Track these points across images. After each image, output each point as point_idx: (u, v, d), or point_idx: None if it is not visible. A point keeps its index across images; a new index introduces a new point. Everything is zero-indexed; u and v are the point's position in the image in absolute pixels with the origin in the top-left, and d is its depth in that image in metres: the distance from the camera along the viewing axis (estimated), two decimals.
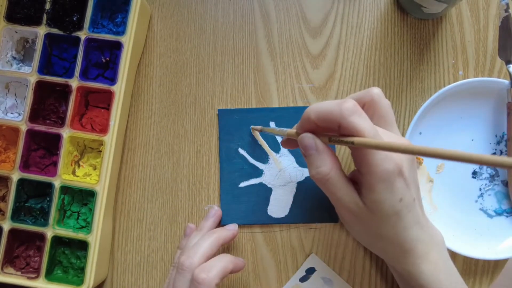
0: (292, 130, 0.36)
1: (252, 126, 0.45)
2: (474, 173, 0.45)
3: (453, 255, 0.44)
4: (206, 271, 0.35)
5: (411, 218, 0.33)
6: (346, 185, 0.33)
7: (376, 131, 0.31)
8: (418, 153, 0.25)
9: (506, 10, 0.44)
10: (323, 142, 0.33)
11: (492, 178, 0.44)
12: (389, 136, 0.34)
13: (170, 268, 0.42)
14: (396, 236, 0.34)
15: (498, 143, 0.44)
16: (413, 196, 0.33)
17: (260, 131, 0.44)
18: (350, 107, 0.31)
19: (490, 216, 0.44)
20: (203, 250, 0.38)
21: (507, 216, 0.44)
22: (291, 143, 0.39)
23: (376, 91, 0.35)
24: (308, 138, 0.33)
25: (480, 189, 0.44)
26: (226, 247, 0.45)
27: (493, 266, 0.44)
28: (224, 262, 0.37)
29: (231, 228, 0.42)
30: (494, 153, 0.44)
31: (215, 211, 0.44)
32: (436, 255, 0.35)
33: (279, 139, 0.46)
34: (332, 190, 0.33)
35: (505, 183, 0.44)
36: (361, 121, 0.30)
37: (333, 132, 0.33)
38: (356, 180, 0.34)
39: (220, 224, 0.45)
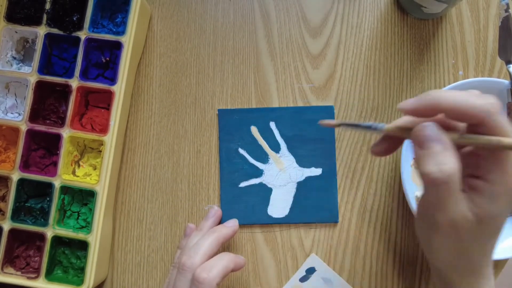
0: (394, 125, 0.30)
1: (325, 122, 0.33)
2: None
3: None
4: (207, 271, 0.35)
5: (498, 237, 0.30)
6: (461, 193, 0.28)
7: None
8: None
9: (506, 10, 0.44)
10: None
11: None
12: None
13: (170, 268, 0.42)
14: (483, 252, 0.30)
15: None
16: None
17: (335, 126, 0.36)
18: (496, 104, 0.27)
19: None
20: (204, 250, 0.38)
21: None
22: (388, 146, 0.32)
23: (494, 101, 0.29)
24: (431, 126, 0.28)
25: None
26: (226, 246, 0.45)
27: (493, 266, 0.44)
28: (225, 261, 0.37)
29: (231, 225, 0.42)
30: None
31: (215, 211, 0.44)
32: (492, 281, 0.32)
33: (280, 141, 0.46)
34: (446, 196, 0.28)
35: None
36: (506, 121, 0.27)
37: (453, 130, 0.29)
38: (466, 188, 0.29)
39: (220, 216, 0.45)
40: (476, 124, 0.27)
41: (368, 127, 0.31)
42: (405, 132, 0.29)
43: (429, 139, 0.28)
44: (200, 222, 0.45)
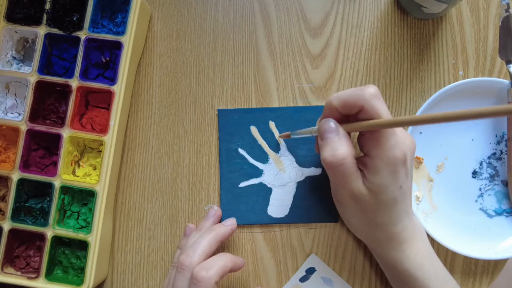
0: (316, 127, 0.37)
1: (279, 135, 0.45)
2: (474, 173, 0.45)
3: (453, 255, 0.44)
4: (206, 269, 0.36)
5: (404, 206, 0.36)
6: (357, 170, 0.35)
7: (389, 114, 0.33)
8: (439, 120, 0.27)
9: (507, 10, 0.44)
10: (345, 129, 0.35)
11: (492, 178, 0.44)
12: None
13: (170, 268, 0.42)
14: (389, 222, 0.36)
15: (498, 143, 0.44)
16: (408, 186, 0.36)
17: (288, 138, 0.43)
18: (373, 92, 0.33)
19: (490, 216, 0.44)
20: (202, 249, 0.38)
21: (507, 216, 0.44)
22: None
23: (373, 90, 0.36)
24: (328, 121, 0.35)
25: (480, 189, 0.44)
26: (226, 247, 0.45)
27: (493, 266, 0.44)
28: (223, 260, 0.37)
29: (229, 224, 0.42)
30: (494, 153, 0.44)
31: (215, 211, 0.44)
32: (419, 242, 0.38)
33: (282, 142, 0.46)
34: (343, 175, 0.34)
35: (505, 183, 0.44)
36: (382, 105, 0.33)
37: (352, 120, 0.35)
38: (360, 165, 0.36)
39: (220, 217, 0.45)
40: (360, 111, 0.33)
41: (310, 131, 0.38)
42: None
43: (326, 131, 0.34)
44: (199, 222, 0.45)
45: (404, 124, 0.30)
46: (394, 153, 0.33)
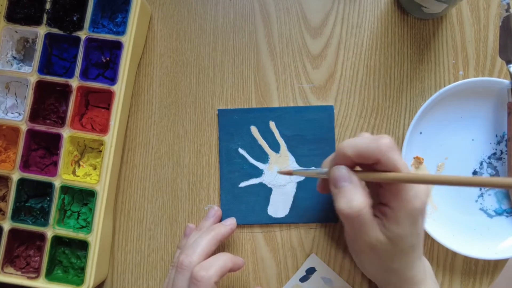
0: (325, 169, 0.36)
1: (278, 171, 0.41)
2: (474, 173, 0.45)
3: (453, 255, 0.44)
4: (205, 269, 0.36)
5: (419, 251, 0.36)
6: (373, 221, 0.34)
7: (408, 167, 0.33)
8: (463, 184, 0.30)
9: (507, 10, 0.44)
10: (361, 178, 0.34)
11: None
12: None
13: (170, 267, 0.42)
14: (405, 267, 0.35)
15: (499, 143, 0.44)
16: (423, 230, 0.35)
17: (290, 174, 0.41)
18: (388, 143, 0.32)
19: (490, 216, 0.44)
20: (202, 248, 0.38)
21: (507, 216, 0.44)
22: (325, 186, 0.38)
23: (388, 141, 0.35)
24: (341, 169, 0.34)
25: (480, 189, 0.44)
26: (226, 247, 0.45)
27: (493, 266, 0.44)
28: (223, 260, 0.37)
29: (229, 223, 0.42)
30: (495, 153, 0.44)
31: (215, 211, 0.44)
32: (430, 281, 0.37)
33: (280, 141, 0.46)
34: (360, 225, 0.33)
35: None
36: (398, 157, 0.32)
37: (366, 168, 0.35)
38: (379, 214, 0.34)
39: (220, 217, 0.45)
40: (376, 163, 0.32)
41: (317, 173, 0.37)
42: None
43: (340, 179, 0.33)
44: (200, 222, 0.45)
45: (426, 182, 0.30)
46: (414, 205, 0.32)
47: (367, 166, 0.34)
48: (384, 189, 0.34)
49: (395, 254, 0.34)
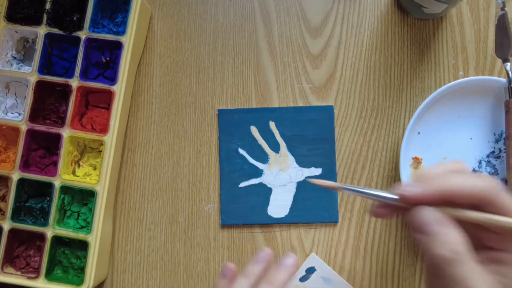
0: (391, 195, 0.29)
1: (323, 184, 0.32)
2: (473, 172, 0.45)
3: None
4: None
5: None
6: (477, 264, 0.27)
7: None
8: None
9: (503, 9, 0.44)
10: (458, 218, 0.28)
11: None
12: None
13: None
14: None
15: (497, 141, 0.45)
16: None
17: (335, 189, 0.37)
18: (498, 184, 0.27)
19: None
20: None
21: None
22: (386, 211, 0.31)
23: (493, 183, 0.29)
24: (429, 212, 0.28)
25: None
26: (226, 246, 0.45)
27: None
28: None
29: (290, 263, 0.34)
30: (493, 152, 0.44)
31: (266, 255, 0.35)
32: None
33: (280, 141, 0.46)
34: (461, 270, 0.27)
35: (505, 181, 0.44)
36: (509, 199, 0.27)
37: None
38: (486, 261, 0.29)
39: (220, 224, 0.45)
40: (487, 205, 0.27)
41: (377, 196, 0.30)
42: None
43: (429, 223, 0.27)
44: (246, 266, 0.35)
45: None
46: None
47: (460, 205, 0.29)
48: (493, 232, 0.28)
49: None
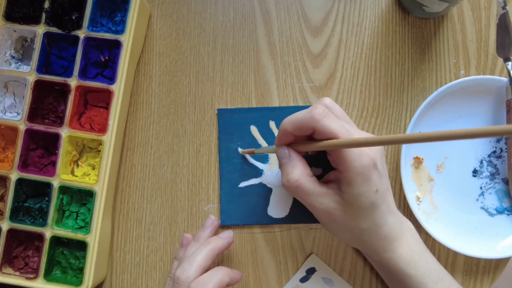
0: (273, 146, 0.38)
1: (240, 150, 0.45)
2: (475, 172, 0.44)
3: (454, 255, 0.44)
4: (202, 285, 0.35)
5: (385, 207, 0.36)
6: (318, 188, 0.35)
7: (347, 129, 0.33)
8: (387, 142, 0.29)
9: (504, 8, 0.44)
10: (300, 150, 0.36)
11: (492, 176, 0.44)
12: (357, 132, 0.36)
13: (167, 279, 0.42)
14: (373, 225, 0.36)
15: (498, 141, 0.44)
16: (385, 186, 0.36)
17: (252, 154, 0.44)
18: (321, 112, 0.33)
19: (491, 214, 0.44)
20: (199, 263, 0.38)
21: (508, 214, 0.44)
22: None
23: (327, 101, 0.37)
24: (282, 149, 0.36)
25: (481, 188, 0.44)
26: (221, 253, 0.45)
27: (494, 266, 0.44)
28: (220, 275, 0.37)
29: (226, 236, 0.42)
30: (494, 151, 0.44)
31: (212, 221, 0.44)
32: (409, 239, 0.38)
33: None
34: (303, 195, 0.35)
35: (506, 181, 0.44)
36: (332, 123, 0.33)
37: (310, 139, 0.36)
38: (334, 179, 0.36)
39: (220, 225, 0.45)
40: (314, 133, 0.34)
41: (273, 150, 0.38)
42: None
43: (280, 157, 0.36)
44: (197, 232, 0.44)
45: (358, 145, 0.31)
46: (361, 162, 0.33)
47: (311, 137, 0.36)
48: (331, 155, 0.35)
49: (358, 215, 0.35)
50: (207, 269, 0.38)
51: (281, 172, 0.36)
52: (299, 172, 0.35)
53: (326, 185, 0.36)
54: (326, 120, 0.33)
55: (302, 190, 0.35)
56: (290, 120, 0.35)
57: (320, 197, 0.35)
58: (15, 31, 0.45)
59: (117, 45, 0.44)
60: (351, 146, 0.32)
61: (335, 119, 0.34)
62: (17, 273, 0.42)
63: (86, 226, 0.43)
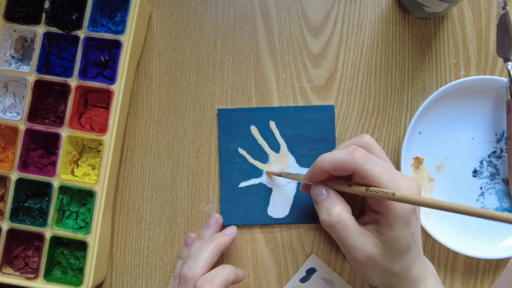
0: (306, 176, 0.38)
1: (266, 171, 0.45)
2: (475, 172, 0.44)
3: (455, 256, 0.44)
4: (209, 282, 0.36)
5: (416, 251, 0.36)
6: (358, 227, 0.35)
7: (389, 175, 0.33)
8: (442, 208, 0.29)
9: (504, 8, 0.44)
10: (339, 189, 0.36)
11: (492, 176, 0.44)
12: (397, 174, 0.35)
13: (171, 278, 0.42)
14: (404, 268, 0.35)
15: (498, 141, 0.44)
16: (419, 229, 0.36)
17: (278, 176, 0.44)
18: (362, 155, 0.33)
19: None
20: (205, 260, 0.38)
21: None
22: (307, 189, 0.40)
23: (367, 138, 0.37)
24: (319, 187, 0.36)
25: (481, 188, 0.44)
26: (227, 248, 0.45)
27: (495, 266, 0.44)
28: (226, 272, 0.37)
29: (230, 232, 0.42)
30: (494, 151, 0.44)
31: (216, 219, 0.44)
32: (433, 281, 0.37)
33: (280, 140, 0.46)
34: (344, 232, 0.35)
35: (506, 181, 0.44)
36: (374, 167, 0.33)
37: (344, 179, 0.36)
38: (371, 221, 0.36)
39: (221, 225, 0.45)
40: (354, 175, 0.34)
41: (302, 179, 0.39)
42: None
43: (317, 194, 0.36)
44: (200, 231, 0.44)
45: (401, 201, 0.31)
46: (404, 207, 0.33)
47: (348, 178, 0.36)
48: (370, 197, 0.35)
49: (394, 258, 0.35)
50: (212, 266, 0.38)
51: (319, 208, 0.36)
52: (341, 208, 0.35)
53: (364, 226, 0.36)
54: (368, 165, 0.33)
55: (343, 226, 0.34)
56: (328, 159, 0.35)
57: (361, 236, 0.34)
58: (15, 31, 0.45)
59: (117, 45, 0.43)
60: (393, 199, 0.32)
61: (377, 162, 0.34)
62: (17, 273, 0.42)
63: (86, 226, 0.43)
